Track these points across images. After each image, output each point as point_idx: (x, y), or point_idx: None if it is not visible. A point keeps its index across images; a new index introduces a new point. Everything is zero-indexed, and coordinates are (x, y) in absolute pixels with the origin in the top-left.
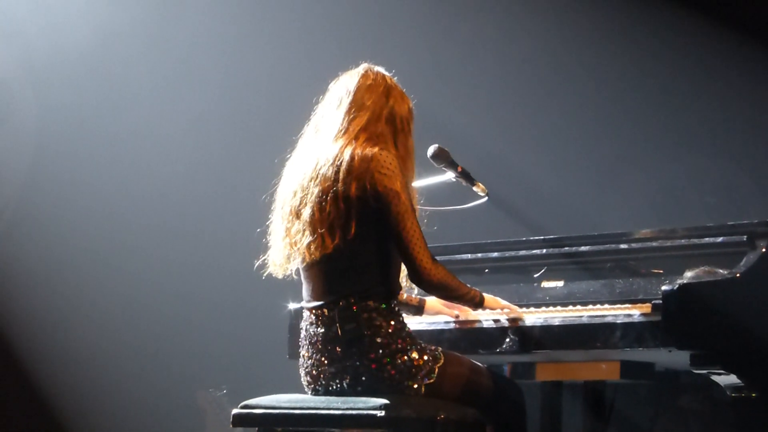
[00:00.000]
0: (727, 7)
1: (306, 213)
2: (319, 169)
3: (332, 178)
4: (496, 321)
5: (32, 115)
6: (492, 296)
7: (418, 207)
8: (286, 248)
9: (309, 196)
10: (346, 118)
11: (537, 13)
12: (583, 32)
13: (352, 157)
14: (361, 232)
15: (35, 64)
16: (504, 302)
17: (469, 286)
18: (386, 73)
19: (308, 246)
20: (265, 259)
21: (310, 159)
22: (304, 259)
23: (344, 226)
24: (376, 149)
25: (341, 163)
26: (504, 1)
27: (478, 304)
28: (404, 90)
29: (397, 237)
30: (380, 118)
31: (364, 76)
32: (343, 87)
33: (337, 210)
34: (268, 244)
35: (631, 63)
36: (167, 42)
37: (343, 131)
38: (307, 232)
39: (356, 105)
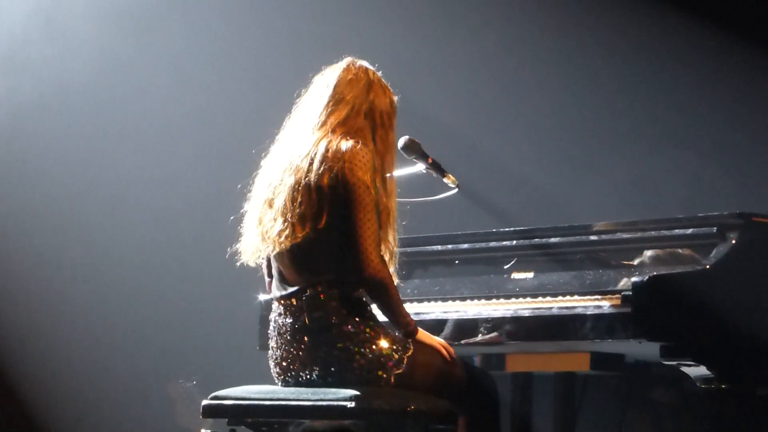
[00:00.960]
0: (701, 1)
1: (278, 202)
2: (293, 161)
3: (305, 169)
4: (466, 312)
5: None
6: (428, 333)
7: (395, 204)
8: (258, 236)
9: (282, 186)
10: (325, 112)
11: (514, 2)
12: (556, 21)
13: (326, 149)
14: (332, 221)
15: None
16: (436, 340)
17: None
18: (369, 67)
19: (278, 233)
20: (237, 248)
21: (287, 151)
22: (274, 248)
23: (315, 216)
24: (351, 142)
25: (315, 154)
26: None
27: (410, 333)
28: (388, 84)
29: (352, 225)
30: (359, 112)
31: (346, 69)
32: (325, 81)
33: (308, 200)
34: (241, 232)
35: (604, 54)
36: (149, 36)
37: (320, 124)
38: (279, 221)
39: (336, 99)
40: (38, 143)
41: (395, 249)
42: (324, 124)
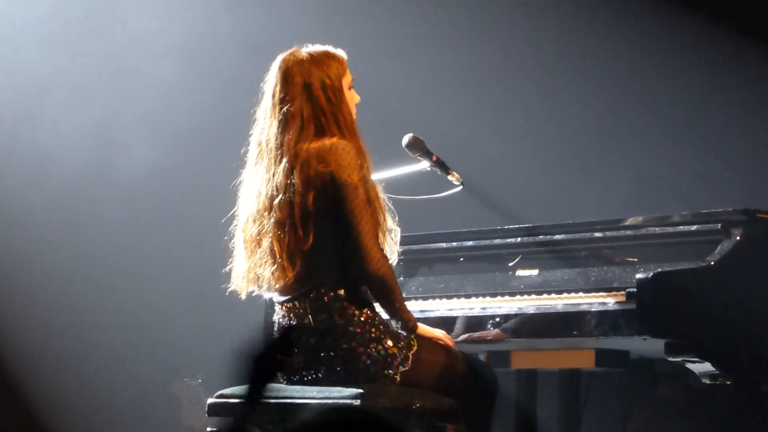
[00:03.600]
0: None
1: (265, 243)
2: (272, 200)
3: (286, 208)
4: (471, 309)
5: None
6: (427, 327)
7: (383, 196)
8: (249, 273)
9: (266, 226)
10: (280, 132)
11: (518, 2)
12: (559, 20)
13: (306, 170)
14: (326, 229)
15: None
16: (437, 332)
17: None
18: (302, 54)
19: (271, 274)
20: (228, 275)
21: (261, 184)
22: (268, 288)
23: (306, 248)
24: (326, 144)
25: (293, 187)
26: None
27: (411, 328)
28: (327, 49)
29: (350, 229)
30: (309, 117)
31: (283, 73)
32: (269, 94)
33: (295, 238)
34: (232, 259)
35: (607, 52)
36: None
37: (281, 148)
38: (269, 262)
39: (284, 115)
40: (44, 140)
41: (394, 229)
42: (283, 145)
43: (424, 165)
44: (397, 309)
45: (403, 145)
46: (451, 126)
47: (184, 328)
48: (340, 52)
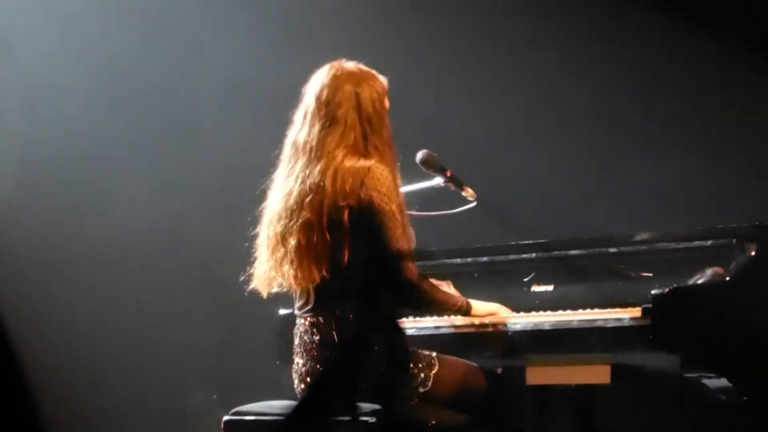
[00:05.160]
0: (715, 11)
1: (292, 242)
2: (303, 198)
3: (318, 208)
4: (485, 325)
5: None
6: (479, 302)
7: (406, 212)
8: (271, 271)
9: (294, 224)
10: (321, 134)
11: (528, 11)
12: (571, 31)
13: (341, 180)
14: (358, 248)
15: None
16: (492, 306)
17: (454, 295)
18: (351, 66)
19: (294, 276)
20: (250, 275)
21: (293, 183)
22: (290, 289)
23: (332, 255)
24: (364, 164)
25: (325, 189)
26: None
27: (465, 312)
28: (373, 71)
29: (385, 255)
30: (354, 126)
31: (331, 79)
32: (312, 96)
33: (323, 241)
34: (254, 260)
35: (620, 64)
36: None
37: (320, 150)
38: (295, 262)
39: (328, 118)
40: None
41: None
42: (323, 148)
43: (438, 181)
44: (442, 308)
45: (417, 162)
46: (466, 139)
47: (199, 344)
48: (384, 78)
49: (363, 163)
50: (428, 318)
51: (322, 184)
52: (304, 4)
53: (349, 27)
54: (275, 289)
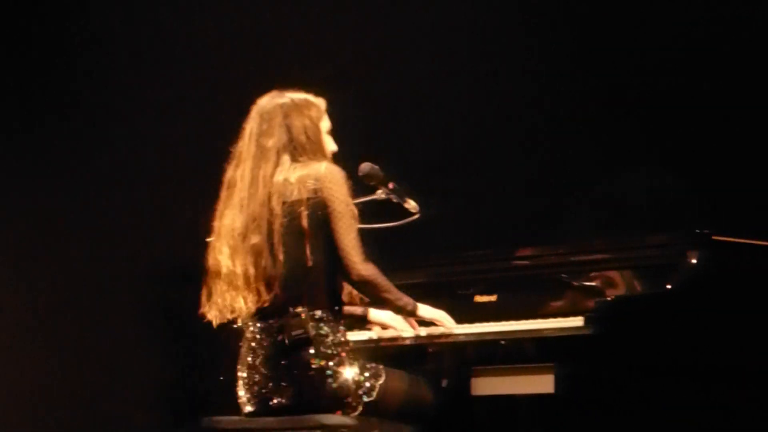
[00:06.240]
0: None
1: (239, 271)
2: (246, 229)
3: (264, 235)
4: (428, 337)
5: None
6: (426, 306)
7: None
8: (223, 301)
9: (241, 254)
10: (256, 168)
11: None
12: (505, 30)
13: (295, 196)
14: (316, 247)
15: None
16: (437, 312)
17: (404, 296)
18: (280, 98)
19: (245, 300)
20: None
21: (234, 219)
22: (241, 316)
23: (282, 272)
24: (318, 166)
25: (270, 214)
26: None
27: (410, 312)
28: (307, 97)
29: (339, 243)
30: (286, 149)
31: (260, 113)
32: (246, 131)
33: (273, 262)
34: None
35: (566, 67)
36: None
37: (258, 184)
38: (242, 289)
39: (260, 150)
40: None
41: None
42: (261, 179)
43: (380, 193)
44: (393, 301)
45: (359, 175)
46: (411, 150)
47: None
48: (320, 101)
49: (315, 165)
50: (372, 331)
51: (263, 209)
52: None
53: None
54: (229, 318)
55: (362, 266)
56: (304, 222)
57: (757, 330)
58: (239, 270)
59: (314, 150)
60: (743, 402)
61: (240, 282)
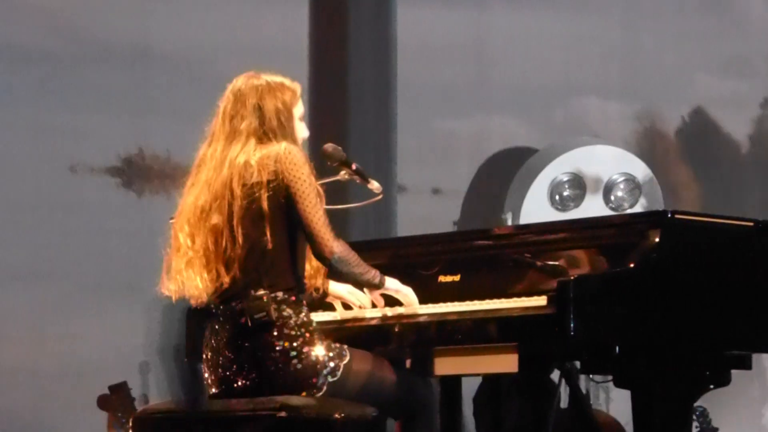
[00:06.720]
0: None
1: (200, 248)
2: (209, 207)
3: (225, 216)
4: (391, 317)
5: None
6: (394, 279)
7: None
8: (179, 276)
9: (201, 232)
10: (226, 148)
11: None
12: None
13: (255, 177)
14: (278, 229)
15: None
16: (405, 287)
17: (372, 269)
18: (256, 80)
19: (202, 279)
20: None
21: (199, 196)
22: (200, 296)
23: (248, 249)
24: (278, 147)
25: (231, 195)
26: None
27: (378, 284)
28: (282, 80)
29: (304, 222)
30: (257, 132)
31: (234, 93)
32: (219, 110)
33: (232, 243)
34: (165, 262)
35: None
36: None
37: (226, 163)
38: (202, 267)
39: (231, 130)
40: None
41: None
42: (228, 159)
43: (342, 174)
44: (363, 274)
45: (322, 156)
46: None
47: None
48: (295, 85)
49: (275, 147)
50: (335, 311)
51: (226, 190)
52: None
53: None
54: (186, 295)
55: (335, 243)
56: (264, 204)
57: (718, 307)
58: (199, 248)
59: (284, 135)
60: (704, 378)
61: (198, 261)
